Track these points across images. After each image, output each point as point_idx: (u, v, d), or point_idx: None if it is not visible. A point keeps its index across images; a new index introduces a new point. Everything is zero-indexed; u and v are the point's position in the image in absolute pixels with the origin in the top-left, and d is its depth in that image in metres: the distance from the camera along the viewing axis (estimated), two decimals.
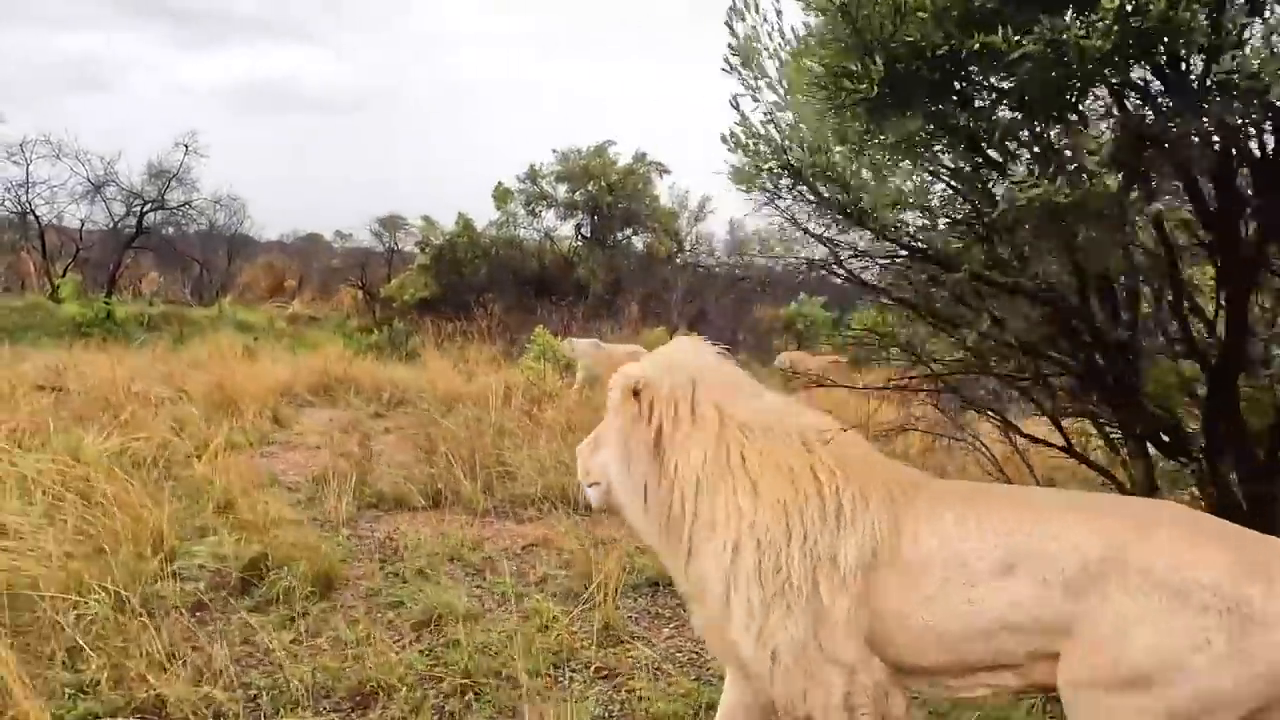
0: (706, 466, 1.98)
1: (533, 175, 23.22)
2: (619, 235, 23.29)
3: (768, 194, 2.87)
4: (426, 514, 5.02)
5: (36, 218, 22.07)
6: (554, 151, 23.09)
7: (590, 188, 22.35)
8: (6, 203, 22.07)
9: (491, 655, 3.01)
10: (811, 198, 2.83)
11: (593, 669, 3.05)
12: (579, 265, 21.90)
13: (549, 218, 23.35)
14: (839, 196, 2.73)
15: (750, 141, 2.74)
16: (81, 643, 2.64)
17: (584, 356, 11.09)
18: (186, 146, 21.73)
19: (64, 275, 21.42)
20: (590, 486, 2.23)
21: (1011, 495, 2.06)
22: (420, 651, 3.08)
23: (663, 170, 22.54)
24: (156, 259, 25.11)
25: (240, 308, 23.35)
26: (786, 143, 2.75)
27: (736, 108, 2.78)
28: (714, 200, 23.83)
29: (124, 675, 2.59)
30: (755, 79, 2.72)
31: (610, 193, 22.16)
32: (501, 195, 23.10)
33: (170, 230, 23.77)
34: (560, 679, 2.95)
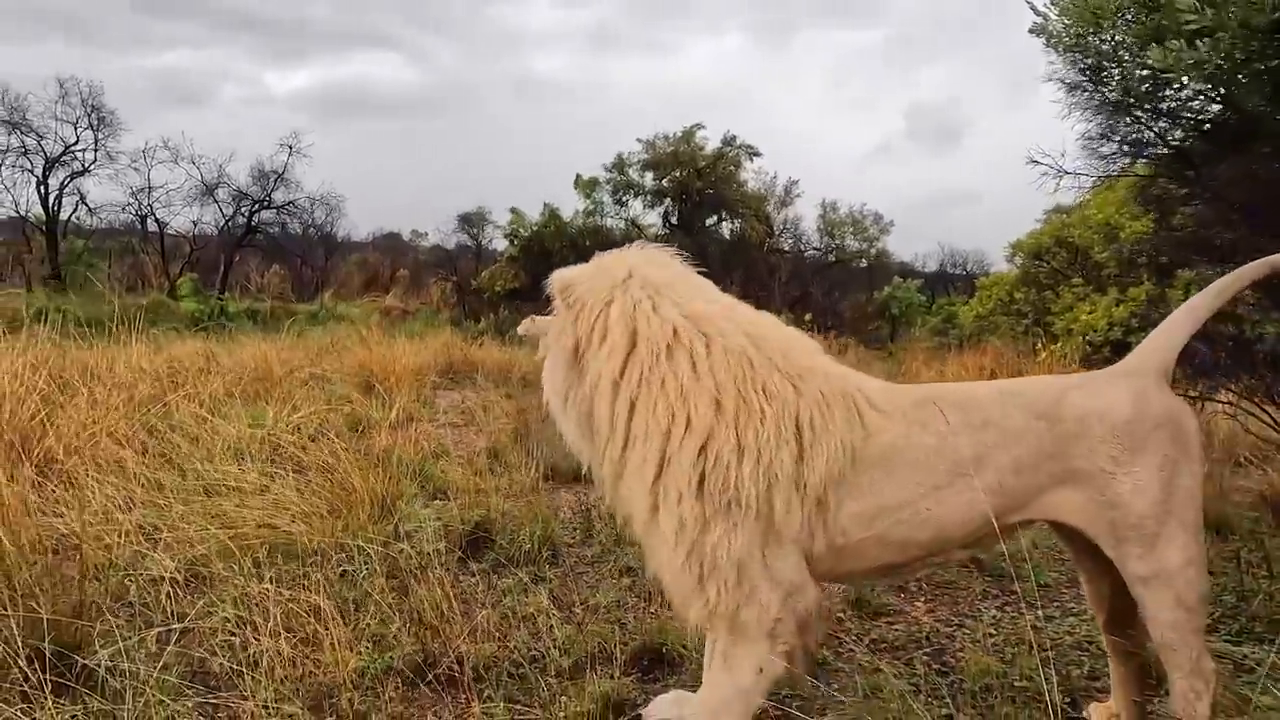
0: (640, 374, 1.83)
1: (619, 164, 23.13)
2: (707, 221, 22.96)
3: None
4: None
5: (157, 220, 23.32)
6: (639, 140, 22.93)
7: (678, 174, 22.09)
8: (128, 208, 23.43)
9: None
10: None
11: (866, 641, 2.81)
12: None
13: (636, 206, 23.25)
14: None
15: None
16: (378, 599, 2.57)
17: (544, 333, 11.01)
18: (290, 147, 22.56)
19: (180, 274, 22.62)
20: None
21: (964, 391, 2.06)
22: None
23: (753, 153, 22.07)
24: (262, 257, 26.21)
25: (339, 302, 24.27)
26: None
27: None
28: (801, 184, 23.27)
29: (412, 631, 2.50)
30: None
31: (699, 178, 21.85)
32: (586, 185, 23.11)
33: (275, 230, 24.74)
34: (839, 651, 2.72)
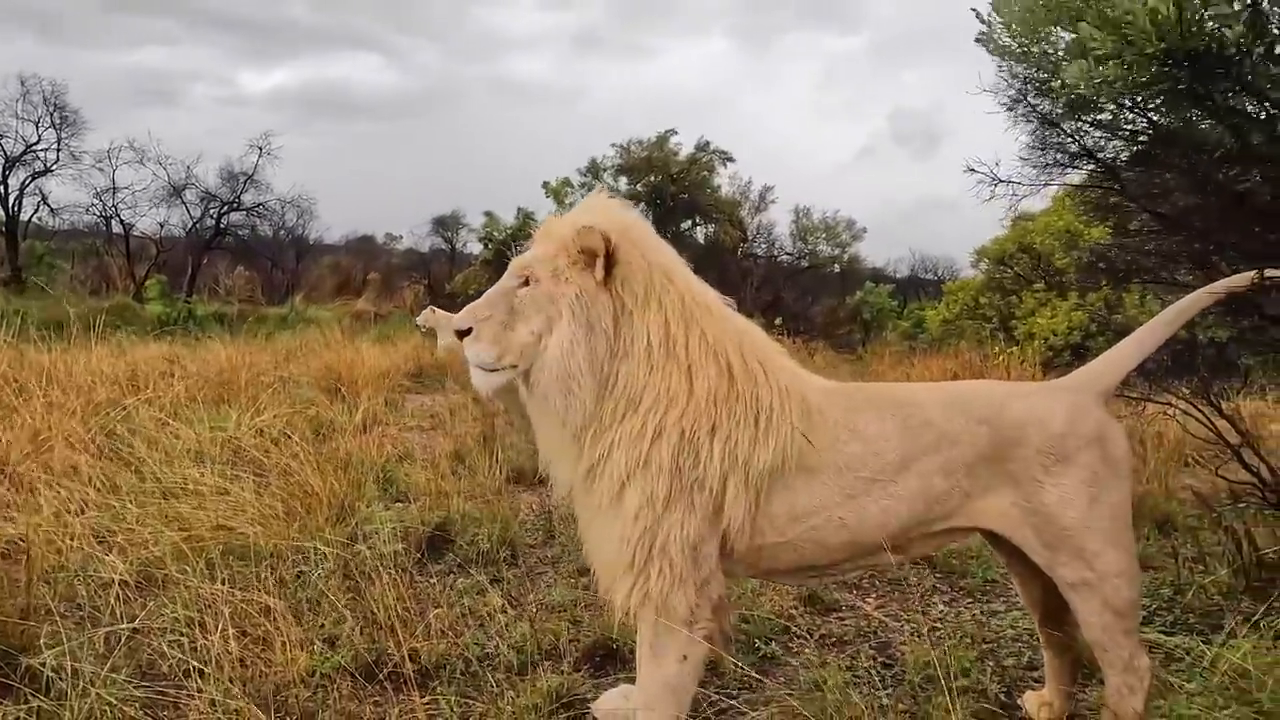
0: (664, 345, 1.80)
1: (594, 169, 23.21)
2: (682, 226, 23.10)
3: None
4: None
5: (122, 222, 22.90)
6: (613, 145, 23.01)
7: (653, 179, 22.22)
8: (93, 209, 22.98)
9: None
10: None
11: (816, 636, 2.88)
12: None
13: None
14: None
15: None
16: (332, 599, 2.58)
17: (442, 326, 11.17)
18: (260, 149, 22.29)
19: (146, 277, 22.21)
20: (495, 371, 1.83)
21: (908, 393, 2.11)
22: None
23: (726, 159, 22.27)
24: (231, 260, 25.83)
25: (310, 305, 23.98)
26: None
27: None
28: (777, 189, 23.50)
29: (365, 631, 2.52)
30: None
31: (673, 183, 22.00)
32: (556, 189, 23.13)
33: (245, 232, 24.42)
34: (790, 646, 2.79)
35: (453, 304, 22.76)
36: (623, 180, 23.12)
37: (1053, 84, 2.66)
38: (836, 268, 23.71)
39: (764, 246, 23.59)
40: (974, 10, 3.19)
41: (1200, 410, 4.00)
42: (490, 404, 1.99)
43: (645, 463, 1.78)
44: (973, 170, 2.85)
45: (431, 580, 3.15)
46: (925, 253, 28.64)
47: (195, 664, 2.07)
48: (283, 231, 26.42)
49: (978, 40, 3.23)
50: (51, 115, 21.23)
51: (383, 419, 7.02)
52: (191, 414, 5.19)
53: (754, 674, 2.41)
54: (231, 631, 2.17)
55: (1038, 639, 2.70)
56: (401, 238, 30.66)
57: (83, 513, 3.07)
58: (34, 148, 21.39)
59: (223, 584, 2.50)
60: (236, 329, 17.76)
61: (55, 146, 21.57)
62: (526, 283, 1.84)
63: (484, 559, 3.33)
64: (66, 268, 24.28)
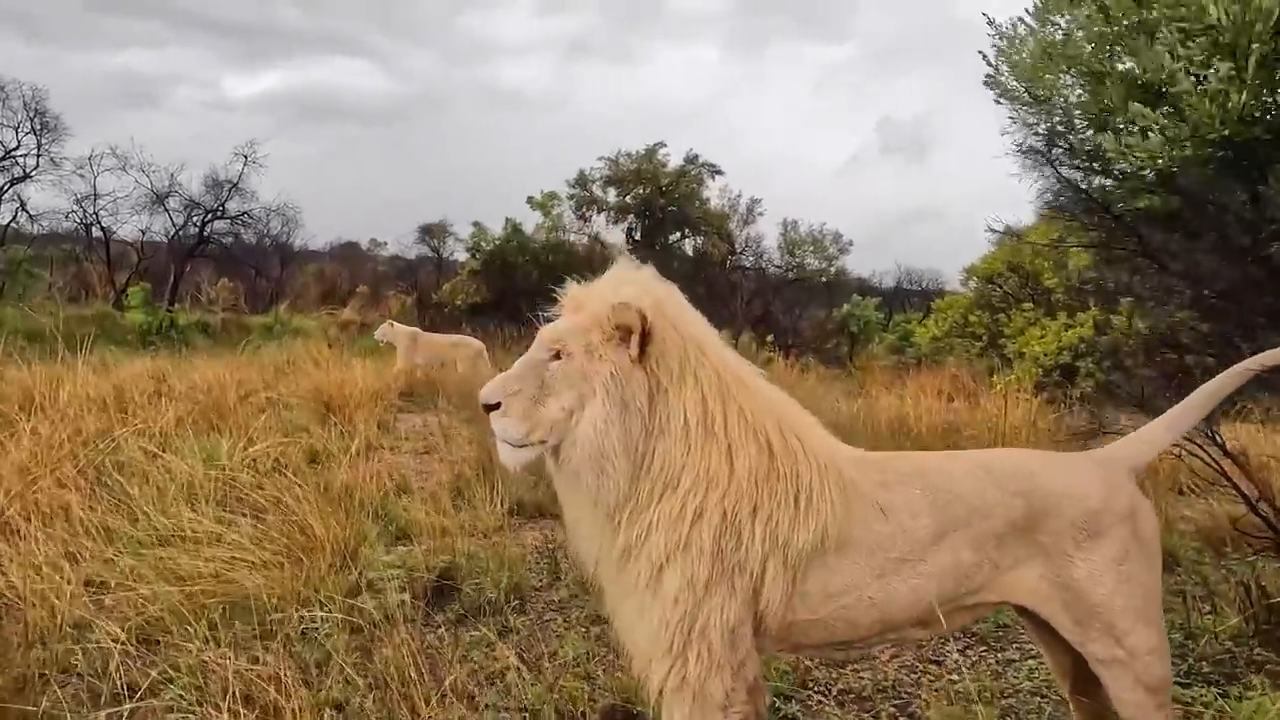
0: (701, 423, 1.74)
1: (581, 180, 23.17)
2: (670, 238, 23.11)
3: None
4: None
5: (103, 228, 22.55)
6: (601, 158, 22.99)
7: (642, 191, 22.22)
8: (72, 215, 22.59)
9: None
10: None
11: (835, 691, 2.84)
12: None
13: (599, 222, 23.28)
14: None
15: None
16: (339, 660, 2.49)
17: (400, 340, 11.14)
18: (245, 157, 22.06)
19: (127, 284, 21.86)
20: (524, 447, 1.75)
21: (939, 466, 2.06)
22: None
23: (715, 171, 22.32)
24: (214, 267, 25.51)
25: (295, 314, 23.71)
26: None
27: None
28: (764, 202, 23.58)
29: (377, 697, 2.43)
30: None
31: (662, 195, 22.01)
32: (542, 202, 23.05)
33: (229, 240, 24.15)
34: (809, 704, 2.74)
35: (440, 313, 22.59)
36: (611, 192, 23.13)
37: (1070, 138, 2.65)
38: (823, 280, 23.83)
39: (752, 259, 23.66)
40: (980, 53, 3.19)
41: (1202, 448, 4.01)
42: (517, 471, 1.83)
43: (685, 545, 1.72)
44: (992, 230, 2.84)
45: (439, 631, 3.07)
46: (911, 265, 28.82)
47: None
48: (267, 239, 26.14)
49: (985, 83, 3.23)
50: (32, 120, 20.88)
51: (376, 444, 6.91)
52: (181, 442, 5.07)
53: None
54: (240, 707, 2.09)
55: (1056, 693, 2.68)
56: (386, 244, 30.46)
57: (77, 562, 2.97)
58: (13, 153, 21.00)
59: (227, 647, 2.41)
60: (220, 339, 17.52)
61: (35, 152, 21.19)
62: (558, 356, 1.78)
63: (491, 607, 3.25)
64: (45, 275, 23.84)
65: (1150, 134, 1.90)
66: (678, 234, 23.22)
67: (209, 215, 22.22)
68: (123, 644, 2.31)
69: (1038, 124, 2.88)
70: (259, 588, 2.86)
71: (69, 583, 2.77)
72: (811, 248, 23.05)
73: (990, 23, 3.03)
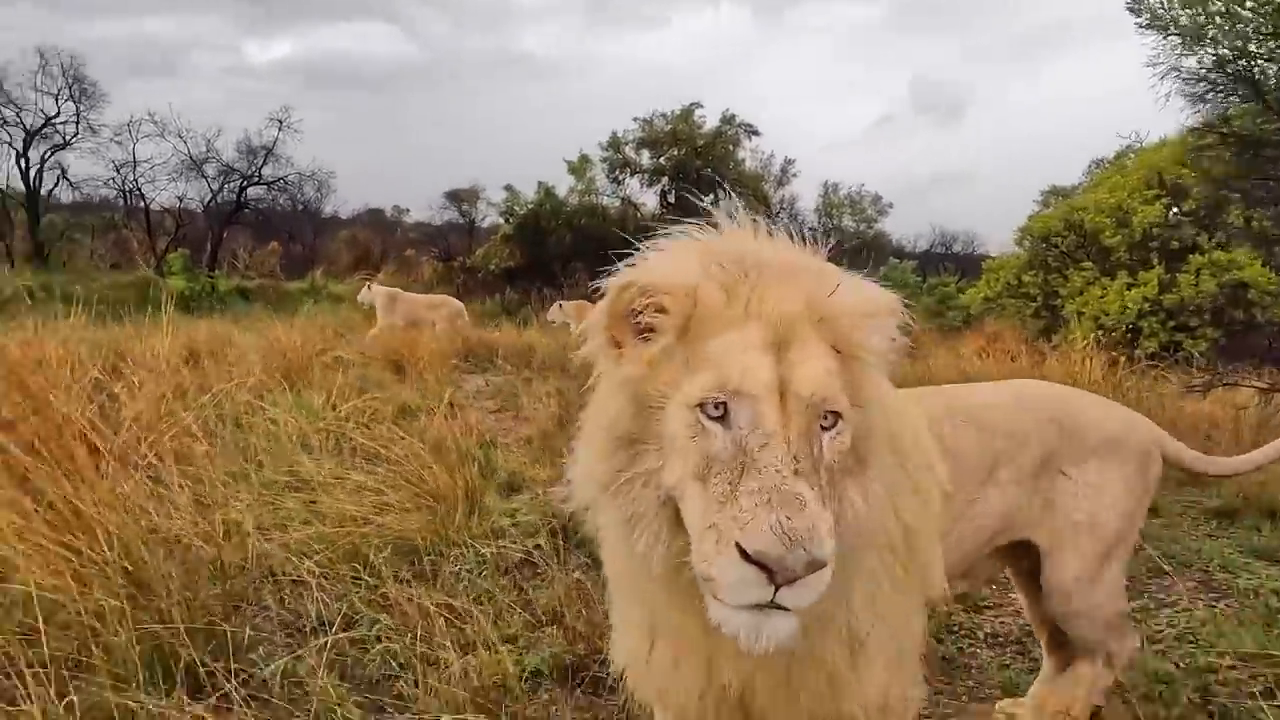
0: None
1: (615, 143, 22.88)
2: (704, 200, 22.82)
3: None
4: None
5: (142, 195, 22.74)
6: (635, 119, 22.66)
7: (676, 152, 21.92)
8: (111, 182, 22.81)
9: None
10: None
11: (982, 635, 2.85)
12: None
13: (632, 185, 23.06)
14: None
15: None
16: (498, 598, 2.54)
17: (380, 300, 11.14)
18: (280, 122, 22.05)
19: (166, 252, 22.11)
20: (814, 574, 1.04)
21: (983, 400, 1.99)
22: None
23: (751, 131, 21.96)
24: (250, 234, 25.71)
25: (329, 280, 23.87)
26: None
27: None
28: (798, 162, 23.19)
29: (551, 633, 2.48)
30: None
31: (697, 156, 21.70)
32: (578, 166, 22.83)
33: (265, 205, 24.29)
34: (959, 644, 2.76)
35: (473, 278, 22.59)
36: (645, 154, 22.84)
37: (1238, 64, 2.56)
38: (859, 243, 23.52)
39: (786, 221, 23.36)
40: None
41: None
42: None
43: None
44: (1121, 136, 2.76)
45: (575, 575, 3.12)
46: (946, 228, 28.36)
47: (415, 669, 2.03)
48: (300, 205, 26.23)
49: (1128, 8, 3.11)
50: (70, 88, 20.97)
51: (458, 402, 6.99)
52: (275, 398, 5.15)
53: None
54: (442, 638, 2.14)
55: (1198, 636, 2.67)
56: (409, 211, 30.48)
57: (225, 505, 3.03)
58: (53, 121, 21.15)
59: (398, 584, 2.46)
60: (265, 304, 17.71)
61: (74, 119, 21.33)
62: (827, 419, 1.18)
63: None
64: (86, 242, 24.18)
65: None
66: (712, 196, 22.96)
67: (245, 181, 22.30)
68: (316, 578, 2.36)
69: (1194, 52, 2.77)
70: (410, 531, 2.92)
71: (240, 525, 2.83)
72: (849, 209, 22.75)
73: None
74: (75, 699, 1.64)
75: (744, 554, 1.03)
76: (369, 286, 11.76)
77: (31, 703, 1.55)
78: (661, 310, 1.20)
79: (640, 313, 1.21)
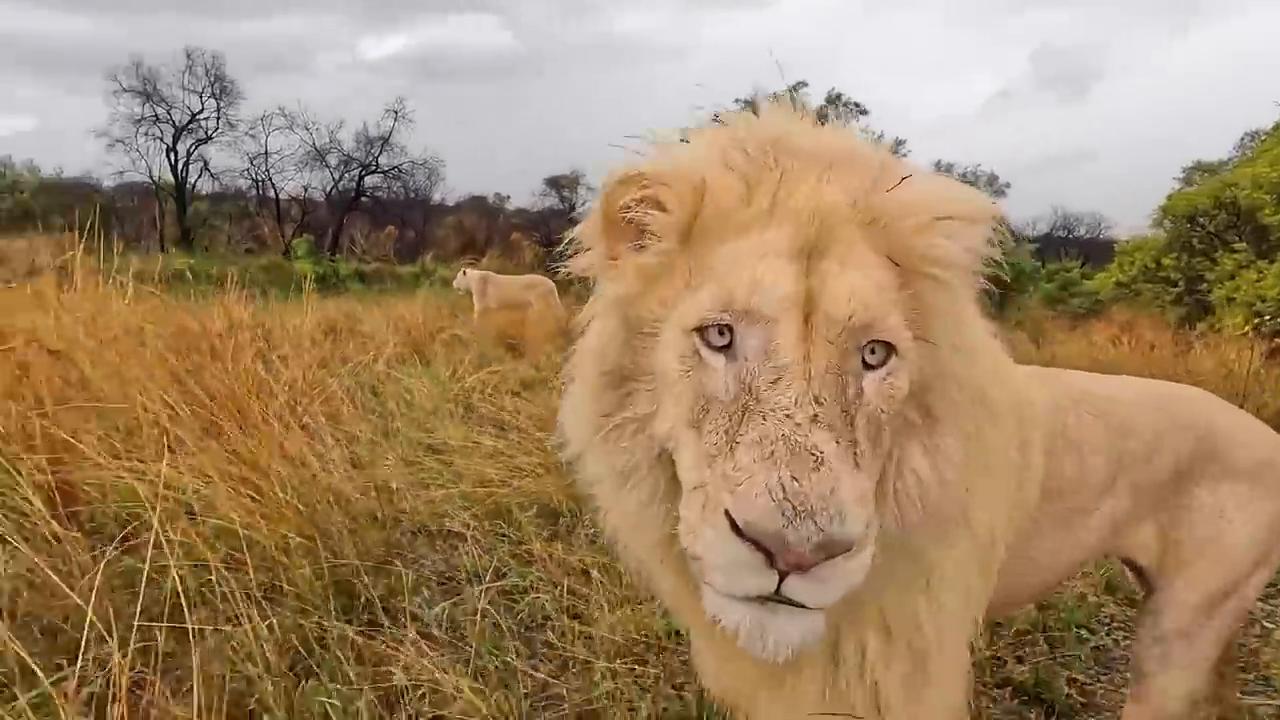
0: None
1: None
2: None
3: None
4: None
5: (273, 184, 24.46)
6: (737, 100, 22.36)
7: None
8: (245, 173, 24.67)
9: None
10: None
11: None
12: None
13: None
14: None
15: None
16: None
17: (474, 285, 11.09)
18: (396, 113, 23.15)
19: (292, 237, 23.74)
20: (832, 560, 0.79)
21: (1108, 393, 1.64)
22: None
23: (860, 110, 21.25)
24: (367, 220, 27.22)
25: (438, 265, 24.98)
26: None
27: None
28: (908, 143, 22.23)
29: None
30: None
31: None
32: None
33: (380, 193, 25.61)
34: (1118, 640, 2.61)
35: None
36: None
37: None
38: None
39: None
40: None
41: None
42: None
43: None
44: None
45: None
46: (1068, 210, 26.53)
47: (565, 620, 2.12)
48: (412, 193, 27.51)
49: None
50: (212, 86, 22.74)
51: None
52: (406, 370, 5.46)
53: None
54: (582, 586, 2.22)
55: None
56: (510, 198, 31.39)
57: (369, 465, 3.24)
58: (198, 117, 23.04)
59: (541, 542, 2.56)
60: (384, 287, 18.74)
61: (215, 115, 23.15)
62: (874, 355, 0.92)
63: None
64: (224, 228, 26.28)
65: None
66: None
67: (363, 170, 23.56)
68: (472, 531, 2.51)
69: None
70: (546, 492, 3.03)
71: (389, 482, 3.03)
72: None
73: None
74: (274, 621, 1.81)
75: (735, 526, 0.77)
76: (464, 272, 12.18)
77: (246, 622, 1.73)
78: (659, 207, 0.94)
79: (634, 210, 0.94)
